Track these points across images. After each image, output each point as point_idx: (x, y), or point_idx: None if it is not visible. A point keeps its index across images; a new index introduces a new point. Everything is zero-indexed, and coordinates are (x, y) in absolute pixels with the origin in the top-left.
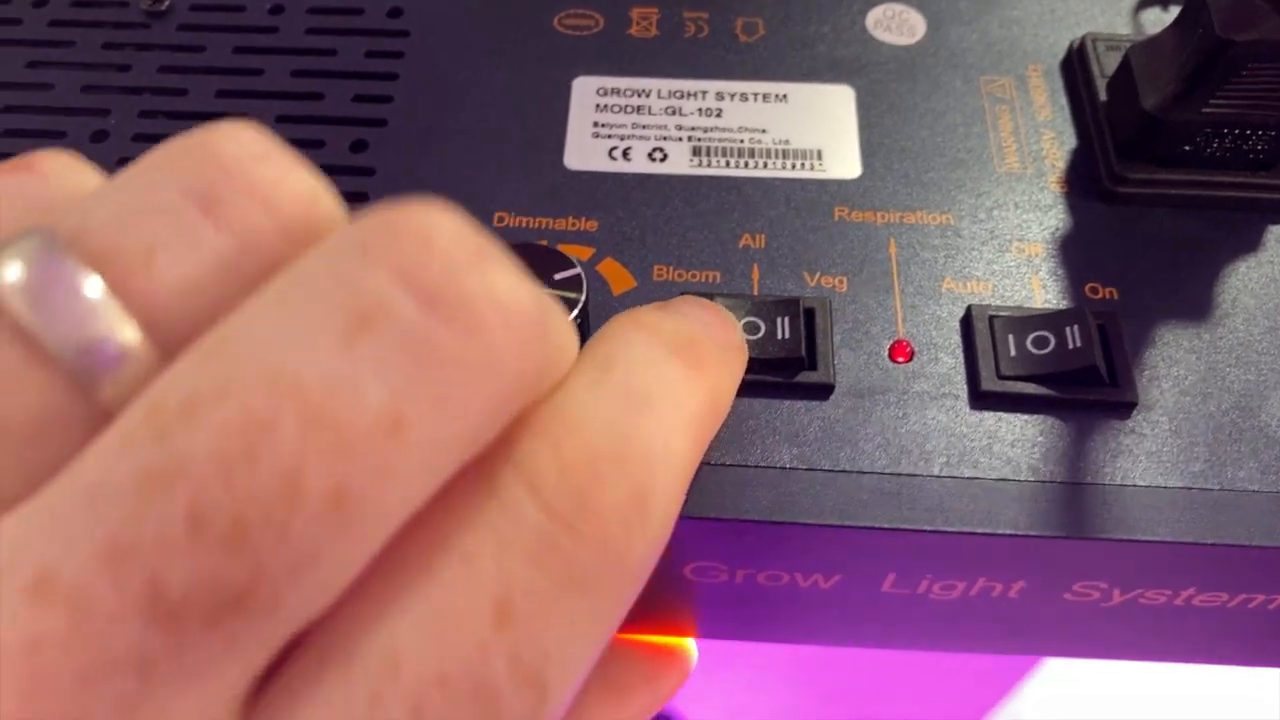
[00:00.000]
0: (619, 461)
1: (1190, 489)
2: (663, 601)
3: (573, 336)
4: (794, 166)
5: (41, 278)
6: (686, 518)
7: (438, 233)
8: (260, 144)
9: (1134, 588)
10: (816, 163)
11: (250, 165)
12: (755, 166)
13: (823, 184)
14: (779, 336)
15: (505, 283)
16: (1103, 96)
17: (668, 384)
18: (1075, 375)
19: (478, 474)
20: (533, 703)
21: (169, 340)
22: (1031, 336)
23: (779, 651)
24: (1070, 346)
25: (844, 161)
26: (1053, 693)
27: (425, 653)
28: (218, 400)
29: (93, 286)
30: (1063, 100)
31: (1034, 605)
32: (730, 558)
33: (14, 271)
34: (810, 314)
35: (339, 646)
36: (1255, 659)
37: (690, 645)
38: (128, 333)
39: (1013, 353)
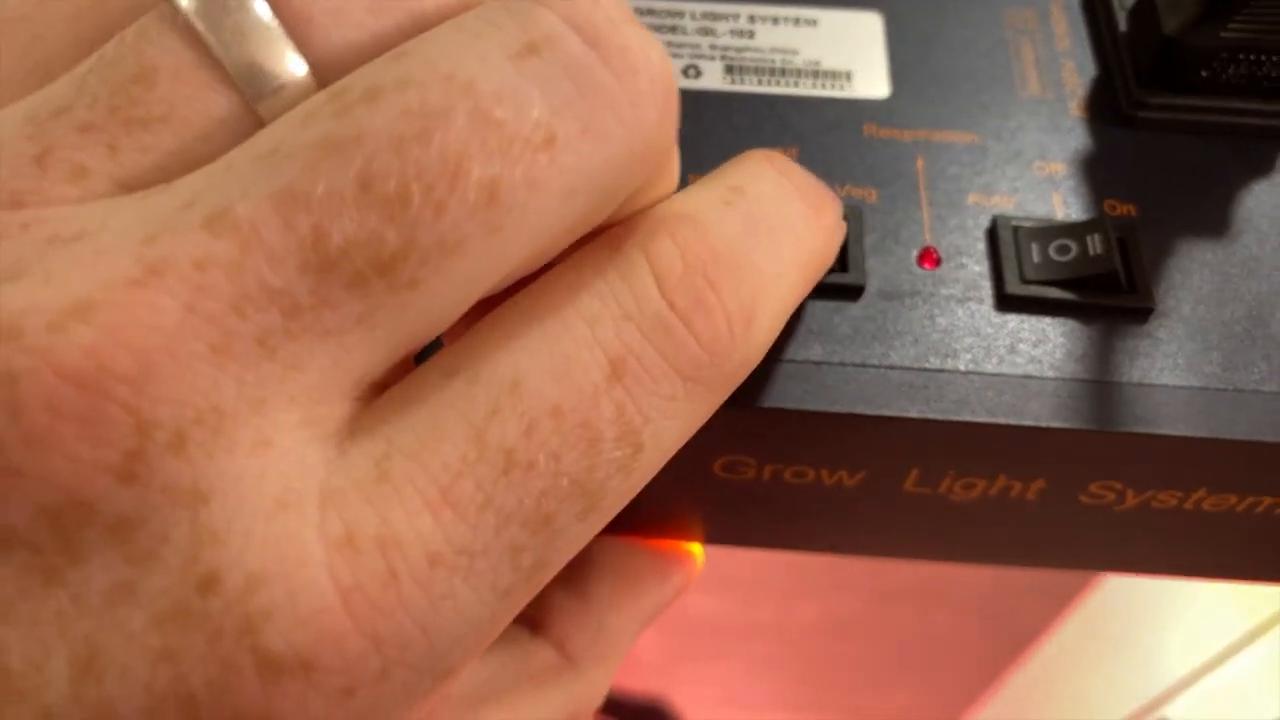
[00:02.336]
0: (736, 276)
1: (1204, 389)
2: (691, 503)
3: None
4: (824, 86)
5: None
6: (720, 407)
7: None
8: None
9: (1147, 488)
10: (846, 83)
11: None
12: (787, 85)
13: (852, 103)
14: None
15: (656, 47)
16: (1122, 27)
17: (790, 219)
18: (1096, 281)
19: (610, 251)
20: (627, 456)
21: (330, 66)
22: (1054, 244)
23: (775, 637)
24: (1091, 253)
25: (872, 83)
26: (1044, 691)
27: (544, 384)
28: (399, 89)
29: (257, 4)
30: (1083, 32)
31: (1050, 508)
32: (759, 451)
33: None
34: (844, 220)
35: (466, 362)
36: (1260, 573)
37: (698, 550)
38: (289, 53)
39: (1036, 259)
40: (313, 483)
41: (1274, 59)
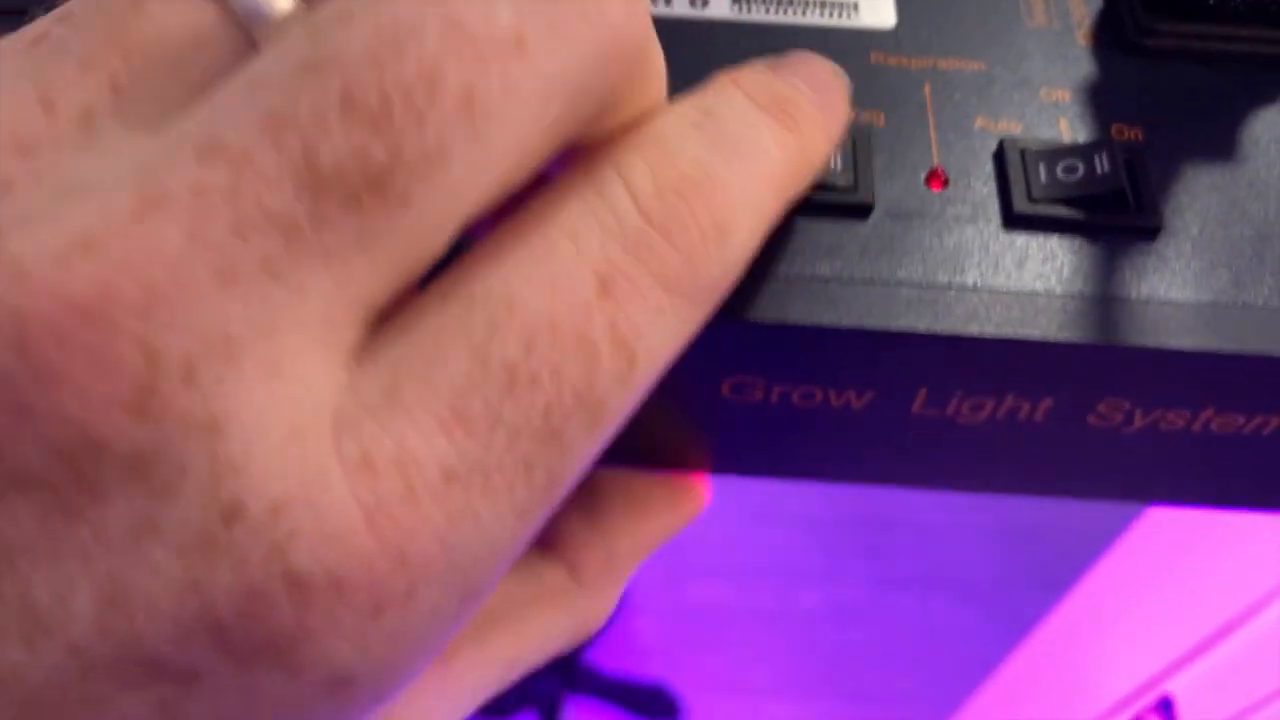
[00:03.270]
0: (706, 193)
1: (1212, 304)
2: (702, 431)
3: (660, 51)
4: (831, 15)
5: None
6: (727, 323)
7: None
8: None
9: (1155, 408)
10: (853, 12)
11: None
12: (794, 14)
13: (859, 32)
14: (829, 165)
15: None
16: None
17: (757, 140)
18: (1103, 199)
19: (585, 171)
20: (623, 367)
21: None
22: (1061, 165)
23: (776, 623)
24: (1099, 172)
25: (879, 12)
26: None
27: (538, 301)
28: (370, 7)
29: None
30: None
31: (1058, 431)
32: (767, 370)
33: None
34: (852, 143)
35: (461, 285)
36: (1265, 501)
37: (705, 482)
38: None
39: (1043, 179)
40: (325, 408)
41: None
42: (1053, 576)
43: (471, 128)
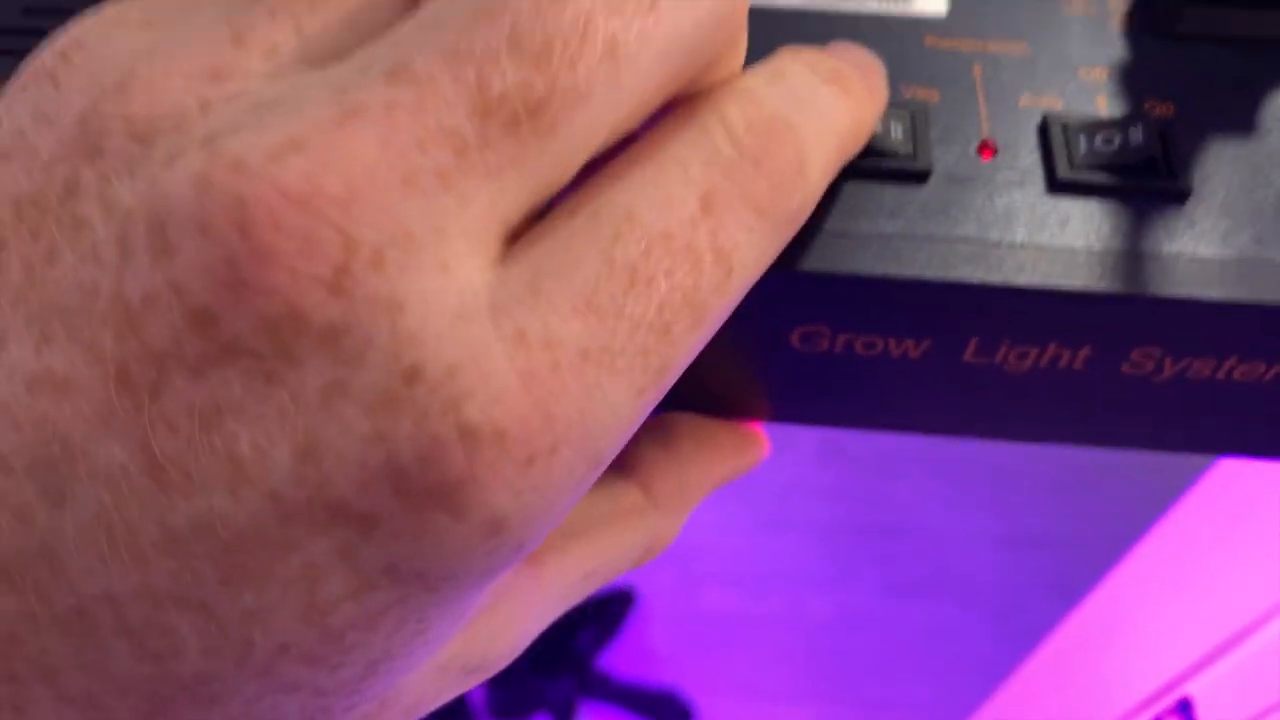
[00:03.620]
0: (787, 132)
1: (1238, 259)
2: (770, 380)
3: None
4: (888, 2)
5: None
6: (800, 273)
7: None
8: None
9: (1184, 356)
10: (907, 1)
11: None
12: (854, 2)
13: (914, 19)
14: (891, 136)
15: None
16: None
17: (821, 99)
18: (1138, 166)
19: (689, 113)
20: (722, 276)
21: None
22: (1100, 136)
23: (787, 629)
24: (1133, 143)
25: (932, 1)
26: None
27: (653, 214)
28: None
29: None
30: None
31: (1096, 377)
32: (834, 319)
33: None
34: (912, 116)
35: (587, 202)
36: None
37: (764, 434)
38: None
39: (1083, 149)
40: (483, 298)
41: None
42: (1064, 583)
43: (613, 71)
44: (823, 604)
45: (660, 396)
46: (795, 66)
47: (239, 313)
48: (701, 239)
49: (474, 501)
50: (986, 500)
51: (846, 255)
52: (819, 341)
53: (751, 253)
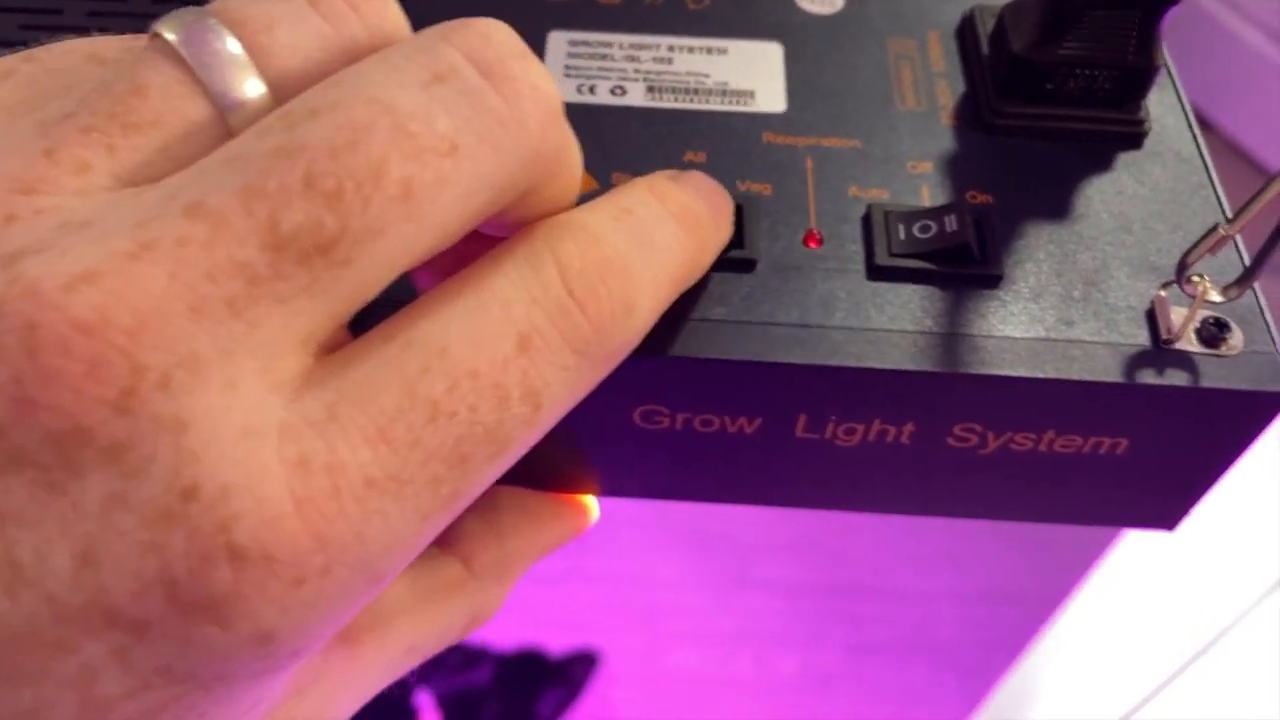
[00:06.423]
0: (620, 276)
1: (1045, 339)
2: (620, 455)
3: (577, 148)
4: (731, 102)
5: (194, 28)
6: (639, 359)
7: (496, 33)
8: None
9: (1004, 430)
10: (750, 100)
11: None
12: (699, 102)
13: (754, 115)
14: None
15: (540, 76)
16: (985, 50)
17: (665, 238)
18: (952, 252)
19: (524, 247)
20: (529, 411)
21: (283, 87)
22: (918, 225)
23: (753, 691)
24: (948, 230)
25: (772, 99)
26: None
27: (466, 350)
28: (333, 109)
29: (229, 39)
30: (955, 58)
31: (924, 451)
32: (671, 399)
33: (173, 27)
34: (740, 209)
35: (404, 330)
36: (1119, 518)
37: (591, 503)
38: (252, 78)
39: (902, 237)
40: (273, 419)
41: (1106, 73)
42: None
43: (407, 210)
44: (789, 664)
45: (452, 517)
46: (646, 201)
47: (25, 427)
48: (511, 378)
49: (239, 615)
50: (952, 557)
51: (677, 340)
52: (660, 419)
53: (565, 390)
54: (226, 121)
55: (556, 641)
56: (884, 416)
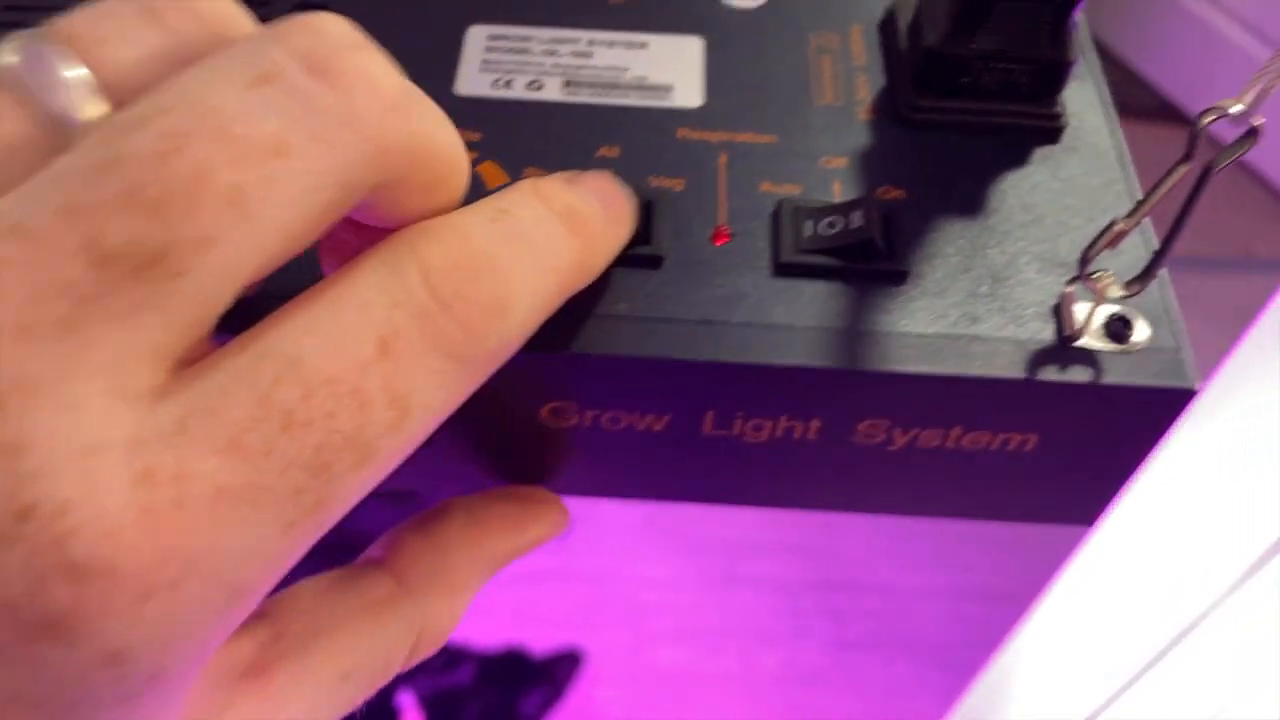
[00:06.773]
0: (492, 275)
1: (948, 335)
2: (535, 452)
3: (451, 138)
4: (648, 97)
5: (31, 51)
6: (542, 354)
7: (329, 26)
8: None
9: (911, 427)
10: (667, 95)
11: None
12: (616, 97)
13: (670, 111)
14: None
15: (376, 67)
16: (904, 44)
17: (546, 239)
18: (857, 249)
19: (384, 253)
20: (396, 417)
21: (120, 96)
22: (824, 221)
23: (738, 687)
24: (852, 226)
25: (689, 94)
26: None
27: (321, 358)
28: (157, 115)
29: (68, 58)
30: (876, 52)
31: (830, 448)
32: (577, 395)
33: (12, 49)
34: (650, 205)
35: (255, 341)
36: (1029, 513)
37: (562, 507)
38: (87, 85)
39: (808, 233)
40: (120, 434)
41: (1020, 66)
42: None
43: (239, 215)
44: (774, 661)
45: (324, 528)
46: (526, 201)
47: None
48: (373, 383)
49: (83, 634)
50: (937, 554)
51: (579, 336)
52: (568, 416)
53: (437, 395)
54: (59, 140)
55: (540, 640)
56: (789, 413)
